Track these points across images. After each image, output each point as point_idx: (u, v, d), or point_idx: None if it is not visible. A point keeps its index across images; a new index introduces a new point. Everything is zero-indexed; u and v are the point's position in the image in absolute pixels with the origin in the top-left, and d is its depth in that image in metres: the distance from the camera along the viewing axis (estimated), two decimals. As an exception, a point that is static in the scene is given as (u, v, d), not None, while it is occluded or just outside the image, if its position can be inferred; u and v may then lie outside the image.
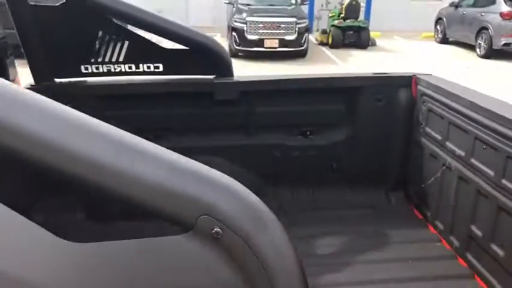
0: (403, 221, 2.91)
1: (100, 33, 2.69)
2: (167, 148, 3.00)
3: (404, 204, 3.08)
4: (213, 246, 0.76)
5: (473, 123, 2.31)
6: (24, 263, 0.78)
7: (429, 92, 2.75)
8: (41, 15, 2.60)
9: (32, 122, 0.80)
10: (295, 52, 12.77)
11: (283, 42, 12.51)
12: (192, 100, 2.91)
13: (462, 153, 2.43)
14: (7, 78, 2.78)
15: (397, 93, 2.96)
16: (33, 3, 2.59)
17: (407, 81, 2.95)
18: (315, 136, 3.08)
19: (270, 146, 3.04)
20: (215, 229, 0.76)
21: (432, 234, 2.74)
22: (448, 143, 2.58)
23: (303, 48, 12.83)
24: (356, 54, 13.72)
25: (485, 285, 2.25)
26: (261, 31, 12.52)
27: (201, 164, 0.85)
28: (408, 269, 2.42)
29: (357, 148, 3.08)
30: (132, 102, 2.90)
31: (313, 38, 15.58)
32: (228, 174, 3.13)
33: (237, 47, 12.71)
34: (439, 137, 2.66)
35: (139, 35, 2.76)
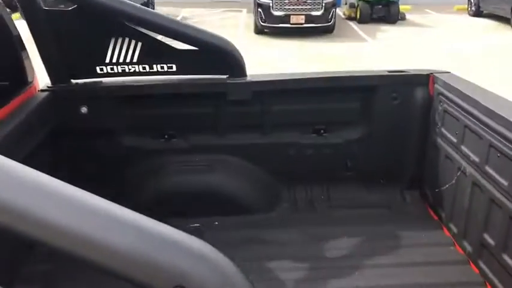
0: (417, 222, 2.88)
1: (113, 35, 2.72)
2: (183, 148, 3.04)
3: (419, 204, 3.05)
4: None
5: (488, 130, 2.25)
6: None
7: (446, 92, 2.68)
8: (55, 19, 2.64)
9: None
10: (322, 28, 12.55)
11: (309, 18, 12.31)
12: (206, 100, 2.93)
13: (477, 159, 2.38)
14: (25, 80, 2.85)
15: (413, 92, 2.89)
16: (47, 8, 2.62)
17: (424, 80, 2.88)
18: (330, 134, 3.06)
19: (284, 145, 3.04)
20: None
21: (446, 237, 2.71)
22: (463, 147, 2.52)
23: (330, 23, 12.59)
24: (385, 30, 13.37)
25: (496, 295, 2.23)
26: (287, 7, 12.33)
27: (174, 229, 0.87)
28: (419, 274, 2.41)
29: (372, 147, 3.04)
30: (147, 102, 2.93)
31: (340, 11, 15.23)
32: (243, 173, 3.16)
33: (262, 24, 12.58)
34: (455, 140, 2.60)
35: (152, 37, 2.77)
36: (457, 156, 2.59)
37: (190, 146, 3.01)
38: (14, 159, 2.41)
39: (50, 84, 2.84)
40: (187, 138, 3.02)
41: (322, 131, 3.04)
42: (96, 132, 2.92)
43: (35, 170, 0.87)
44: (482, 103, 2.31)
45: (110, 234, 0.80)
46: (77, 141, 2.94)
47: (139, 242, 0.81)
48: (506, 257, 2.15)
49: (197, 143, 3.01)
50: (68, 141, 2.93)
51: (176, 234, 0.84)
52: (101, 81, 2.87)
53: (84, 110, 2.85)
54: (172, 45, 2.78)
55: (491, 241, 2.27)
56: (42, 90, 2.81)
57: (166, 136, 3.00)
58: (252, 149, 3.03)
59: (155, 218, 3.02)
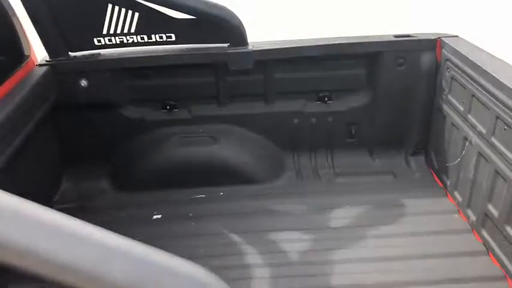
0: (422, 189, 2.88)
1: (110, 5, 2.63)
2: (185, 119, 3.02)
3: (424, 171, 3.04)
4: None
5: (496, 102, 2.20)
6: None
7: (453, 58, 2.60)
8: None
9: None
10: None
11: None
12: (207, 70, 2.87)
13: (483, 130, 2.34)
14: (22, 53, 2.79)
15: (420, 57, 2.81)
16: None
17: (432, 45, 2.79)
18: (334, 102, 3.01)
19: (288, 113, 3.00)
20: None
21: (450, 205, 2.72)
22: (469, 116, 2.47)
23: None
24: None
25: (499, 265, 2.25)
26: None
27: (172, 256, 0.86)
28: (422, 244, 2.44)
29: (377, 113, 3.00)
30: (147, 73, 2.89)
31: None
32: (247, 143, 3.16)
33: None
34: (461, 108, 2.55)
35: (149, 6, 2.68)
36: (463, 125, 2.55)
37: (193, 116, 2.98)
38: (20, 136, 2.42)
39: (48, 58, 2.79)
40: (189, 108, 2.98)
41: (326, 99, 2.99)
42: (97, 105, 2.89)
43: (25, 201, 0.85)
44: (491, 73, 2.24)
45: (108, 266, 0.79)
46: (78, 114, 2.93)
47: (138, 272, 0.80)
48: (509, 229, 2.15)
49: (199, 113, 2.98)
50: (69, 114, 2.91)
51: (176, 262, 0.83)
52: (99, 54, 2.82)
53: (84, 83, 2.81)
54: (171, 15, 2.70)
55: (494, 212, 2.27)
56: (41, 65, 2.76)
57: (167, 107, 2.96)
58: (256, 119, 3.00)
59: (159, 190, 3.02)
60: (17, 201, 0.84)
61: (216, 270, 2.51)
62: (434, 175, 2.99)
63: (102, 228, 0.84)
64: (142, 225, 2.68)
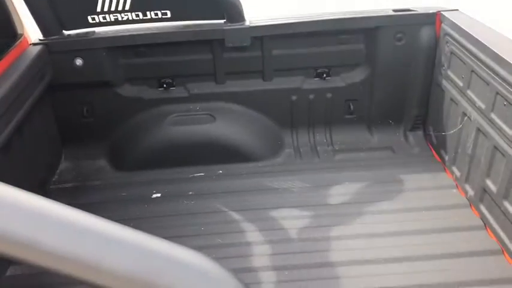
0: (420, 164, 2.89)
1: None
2: (182, 97, 3.01)
3: (422, 146, 3.04)
4: None
5: (496, 77, 2.18)
6: None
7: (453, 33, 2.57)
8: None
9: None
10: None
11: None
12: (203, 47, 2.84)
13: (482, 106, 2.32)
14: (15, 32, 2.75)
15: (419, 32, 2.78)
16: None
17: (431, 19, 2.75)
18: (332, 78, 2.98)
19: (286, 90, 2.98)
20: None
21: (448, 180, 2.73)
22: (469, 92, 2.46)
23: None
24: None
25: (496, 239, 2.27)
26: None
27: (174, 244, 0.85)
28: (420, 220, 2.45)
29: (376, 89, 2.98)
30: (143, 51, 2.85)
31: None
32: (245, 120, 3.14)
33: None
34: (460, 84, 2.53)
35: (144, -18, 2.63)
36: (462, 101, 2.53)
37: (190, 94, 2.96)
38: (17, 115, 2.40)
39: (41, 37, 2.75)
40: (186, 86, 2.96)
41: (324, 75, 2.96)
42: (93, 84, 2.86)
43: (21, 191, 0.84)
44: (492, 48, 2.21)
45: (107, 255, 0.79)
46: (75, 94, 2.91)
47: (139, 262, 0.80)
48: (507, 204, 2.16)
49: (197, 91, 2.96)
50: (65, 94, 2.89)
51: (177, 250, 0.83)
52: (94, 32, 2.78)
53: (79, 62, 2.78)
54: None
55: (493, 187, 2.28)
56: (35, 44, 2.72)
57: (164, 85, 2.94)
58: (253, 96, 2.98)
59: (158, 168, 3.02)
60: (12, 191, 0.83)
61: (215, 247, 2.55)
62: (433, 150, 2.99)
63: (101, 217, 0.84)
64: (141, 204, 2.69)
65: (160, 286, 0.79)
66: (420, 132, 3.07)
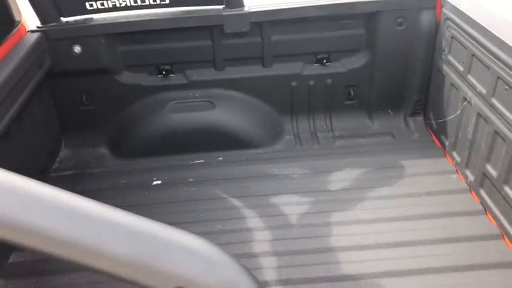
0: (420, 150, 2.88)
1: None
2: (182, 84, 3.00)
3: (423, 131, 3.03)
4: None
5: (497, 61, 2.16)
6: None
7: (454, 17, 2.55)
8: None
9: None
10: None
11: None
12: (202, 33, 2.81)
13: (483, 91, 2.31)
14: (12, 19, 2.72)
15: (419, 17, 2.76)
16: None
17: (432, 3, 2.73)
18: (333, 64, 2.97)
19: (286, 76, 2.97)
20: None
21: (449, 165, 2.73)
22: (469, 76, 2.44)
23: None
24: None
25: (496, 224, 2.28)
26: None
27: (176, 229, 0.85)
28: (421, 205, 2.45)
29: (376, 74, 2.96)
30: (141, 38, 2.83)
31: None
32: (245, 107, 3.13)
33: None
34: (461, 68, 2.52)
35: (142, -33, 2.60)
36: (463, 85, 2.52)
37: (189, 81, 2.95)
38: (16, 103, 2.39)
39: (39, 24, 2.73)
40: (186, 73, 2.95)
41: (324, 61, 2.95)
42: (92, 71, 2.85)
43: (28, 179, 0.84)
44: (493, 32, 2.19)
45: (105, 240, 0.79)
46: (74, 81, 2.89)
47: (137, 244, 0.80)
48: (507, 189, 2.17)
49: (196, 78, 2.95)
50: (64, 81, 2.88)
51: (176, 233, 0.83)
52: (91, 18, 2.75)
53: (77, 49, 2.76)
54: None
55: (493, 172, 2.28)
56: (33, 31, 2.70)
57: (163, 72, 2.92)
58: (253, 82, 2.97)
59: (158, 156, 3.04)
60: (13, 177, 0.83)
61: (216, 234, 2.55)
62: (433, 136, 2.99)
63: (102, 203, 0.84)
64: (142, 191, 2.69)
65: (162, 270, 0.79)
66: (420, 118, 3.07)
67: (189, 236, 0.85)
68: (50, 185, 0.84)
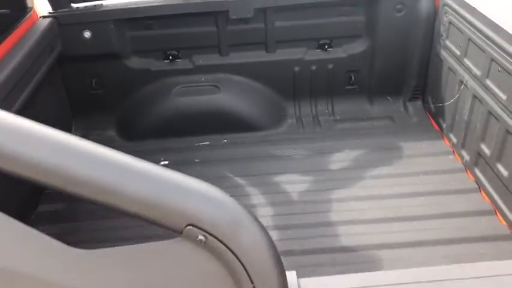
0: (419, 133, 2.98)
1: None
2: (188, 69, 3.09)
3: (421, 115, 3.12)
4: (199, 249, 0.91)
5: (491, 44, 2.26)
6: (28, 269, 0.95)
7: (451, 3, 2.63)
8: None
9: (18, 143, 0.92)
10: None
11: None
12: (208, 19, 2.91)
13: (478, 73, 2.40)
14: (25, 5, 2.83)
15: (418, 3, 2.84)
16: None
17: (430, -11, 2.81)
18: (334, 49, 3.06)
19: (289, 61, 3.06)
20: (199, 237, 0.89)
21: (446, 147, 2.82)
22: (465, 60, 2.53)
23: None
24: None
25: (489, 201, 2.37)
26: None
27: (185, 175, 0.96)
28: (418, 183, 2.55)
29: (376, 59, 3.05)
30: (149, 23, 2.93)
31: None
32: (248, 91, 3.23)
33: None
34: (458, 52, 2.61)
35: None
36: (459, 69, 2.61)
37: (195, 66, 3.05)
38: (29, 86, 2.50)
39: (51, 10, 2.83)
40: (191, 58, 3.05)
41: (326, 46, 3.04)
42: (102, 56, 2.95)
43: (46, 127, 0.96)
44: (488, 16, 2.28)
45: (126, 181, 0.90)
46: (83, 66, 2.99)
47: (154, 187, 0.91)
48: (499, 166, 2.26)
49: (202, 63, 3.05)
50: (75, 66, 2.98)
51: (186, 179, 0.94)
52: (101, 4, 2.86)
53: (87, 34, 2.86)
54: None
55: (487, 151, 2.37)
56: (44, 17, 2.80)
57: (170, 57, 3.02)
58: (257, 67, 3.06)
59: (165, 138, 3.13)
60: (45, 129, 0.95)
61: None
62: (431, 119, 3.08)
63: (124, 153, 0.95)
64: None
65: (175, 209, 0.90)
66: (419, 102, 3.16)
67: (199, 181, 0.97)
68: (78, 137, 0.96)
